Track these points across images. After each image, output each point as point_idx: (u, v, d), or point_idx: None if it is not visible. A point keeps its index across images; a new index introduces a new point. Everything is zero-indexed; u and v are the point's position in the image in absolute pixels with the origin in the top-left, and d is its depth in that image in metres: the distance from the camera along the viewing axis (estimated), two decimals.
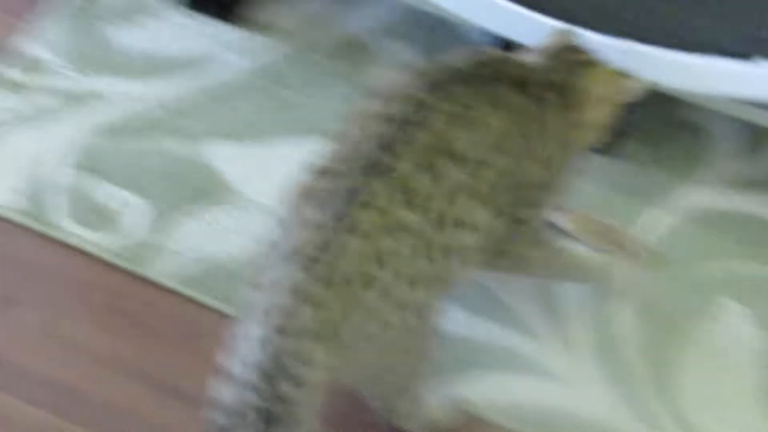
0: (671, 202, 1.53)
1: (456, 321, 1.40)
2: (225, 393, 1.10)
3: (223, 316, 1.38)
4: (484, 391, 1.36)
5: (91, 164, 1.52)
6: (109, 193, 1.50)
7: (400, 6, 1.68)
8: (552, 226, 1.42)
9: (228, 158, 1.54)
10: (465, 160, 1.14)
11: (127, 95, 1.59)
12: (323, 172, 1.13)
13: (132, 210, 1.49)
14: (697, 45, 1.41)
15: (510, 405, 1.36)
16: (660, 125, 1.61)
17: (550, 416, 1.35)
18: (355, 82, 1.61)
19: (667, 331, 1.42)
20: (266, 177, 1.52)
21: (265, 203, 1.49)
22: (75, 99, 1.58)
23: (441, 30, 1.66)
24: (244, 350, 1.09)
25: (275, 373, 1.07)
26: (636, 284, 1.45)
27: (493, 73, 1.19)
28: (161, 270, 1.44)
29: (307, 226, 1.10)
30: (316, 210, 1.10)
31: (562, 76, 1.25)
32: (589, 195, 1.51)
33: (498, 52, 1.26)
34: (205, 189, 1.51)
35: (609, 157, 1.55)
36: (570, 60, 1.27)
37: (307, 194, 1.13)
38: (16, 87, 1.60)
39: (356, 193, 1.10)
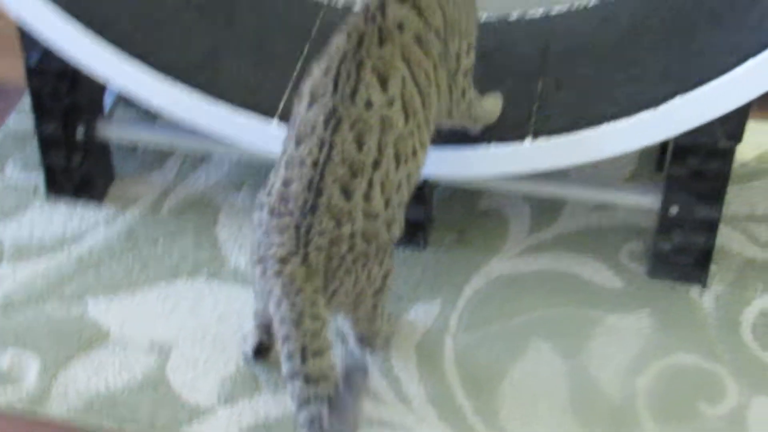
0: (480, 275, 1.83)
1: None
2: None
3: None
4: None
5: None
6: (2, 355, 1.75)
7: (235, 161, 2.02)
8: None
9: (107, 310, 1.80)
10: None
11: (11, 277, 1.86)
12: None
13: (24, 364, 1.73)
14: (476, 138, 1.73)
15: None
16: (462, 216, 1.93)
17: None
18: (203, 231, 1.92)
19: (488, 374, 1.69)
20: (141, 320, 1.79)
21: (141, 342, 1.76)
22: None
23: None
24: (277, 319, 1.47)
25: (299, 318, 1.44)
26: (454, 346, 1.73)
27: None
28: (55, 410, 1.67)
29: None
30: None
31: None
32: (399, 286, 1.80)
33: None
34: (89, 338, 1.76)
35: (415, 250, 1.87)
36: None
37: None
38: None
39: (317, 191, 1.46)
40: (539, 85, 1.75)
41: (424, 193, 1.82)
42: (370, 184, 1.47)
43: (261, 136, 1.78)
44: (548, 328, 1.75)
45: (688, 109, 1.63)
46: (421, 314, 1.78)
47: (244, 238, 1.91)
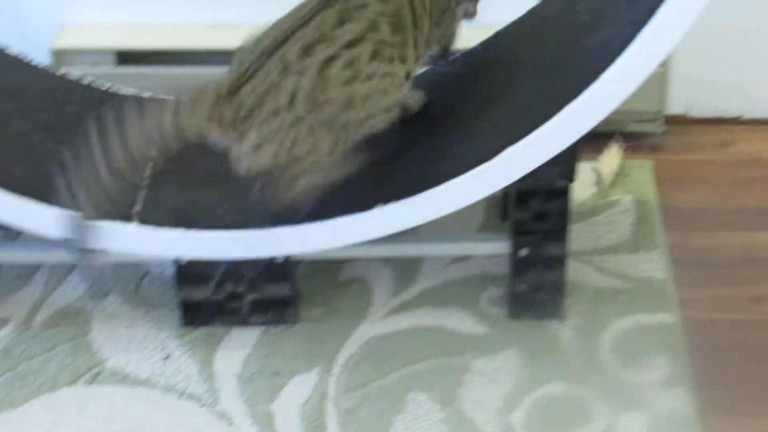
0: (351, 341, 1.91)
1: None
2: None
3: None
4: None
5: None
6: None
7: (101, 268, 2.06)
8: None
9: None
10: None
11: None
12: None
13: None
14: (329, 212, 1.81)
15: None
16: (327, 287, 2.01)
17: None
18: (77, 340, 1.95)
19: (372, 431, 1.76)
20: None
21: None
22: None
23: (146, 277, 2.05)
24: None
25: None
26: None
27: None
28: None
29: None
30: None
31: None
32: (275, 362, 1.87)
33: None
34: None
35: (286, 326, 1.93)
36: None
37: None
38: None
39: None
40: (384, 152, 1.84)
41: (288, 270, 1.90)
42: (336, 56, 1.56)
43: (122, 240, 1.83)
44: (423, 381, 1.83)
45: (520, 157, 1.74)
46: (300, 386, 1.84)
47: (118, 342, 1.95)
